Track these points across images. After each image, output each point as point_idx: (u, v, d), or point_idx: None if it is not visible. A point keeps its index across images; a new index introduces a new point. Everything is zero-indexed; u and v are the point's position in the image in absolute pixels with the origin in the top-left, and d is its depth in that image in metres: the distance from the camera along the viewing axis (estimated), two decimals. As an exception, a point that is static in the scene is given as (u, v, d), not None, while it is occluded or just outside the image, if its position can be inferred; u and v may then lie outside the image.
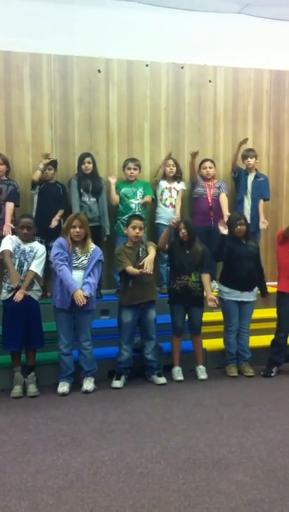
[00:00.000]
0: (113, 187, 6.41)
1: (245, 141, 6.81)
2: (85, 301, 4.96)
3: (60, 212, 6.14)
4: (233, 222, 5.70)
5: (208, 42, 7.07)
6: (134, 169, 6.44)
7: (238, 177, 6.92)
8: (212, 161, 6.84)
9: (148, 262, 5.23)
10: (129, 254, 5.33)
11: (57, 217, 6.09)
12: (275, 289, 5.84)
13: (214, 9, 7.04)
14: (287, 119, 7.50)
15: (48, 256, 5.38)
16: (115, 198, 6.41)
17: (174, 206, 6.61)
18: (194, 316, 5.57)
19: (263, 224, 6.78)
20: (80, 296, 4.95)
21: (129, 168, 6.43)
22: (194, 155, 6.55)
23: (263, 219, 6.81)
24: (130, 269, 5.22)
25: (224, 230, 5.55)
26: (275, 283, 5.89)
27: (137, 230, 5.34)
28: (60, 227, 5.99)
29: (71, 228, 5.15)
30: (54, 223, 6.02)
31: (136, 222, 5.37)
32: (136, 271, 5.18)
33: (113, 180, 6.43)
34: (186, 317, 5.61)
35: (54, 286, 5.22)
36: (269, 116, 7.43)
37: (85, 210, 6.15)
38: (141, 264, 5.23)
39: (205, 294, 5.50)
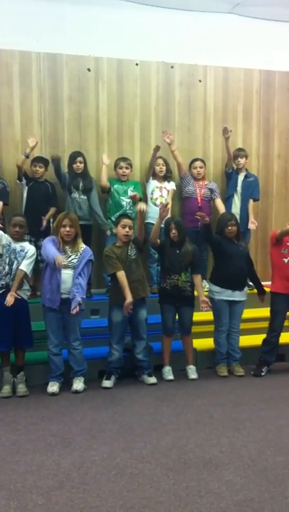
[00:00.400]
0: (105, 168, 6.36)
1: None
2: (62, 265, 4.96)
3: (52, 210, 6.10)
4: (224, 222, 5.70)
5: (198, 41, 7.06)
6: (126, 168, 6.42)
7: (230, 174, 6.91)
8: (202, 161, 6.83)
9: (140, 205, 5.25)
10: (118, 253, 5.31)
11: (47, 216, 6.05)
12: (268, 289, 5.86)
13: (205, 9, 7.04)
14: (276, 119, 7.52)
15: (38, 256, 5.35)
16: (105, 179, 6.37)
17: (168, 209, 6.56)
18: (185, 315, 5.56)
19: (252, 224, 6.76)
20: (61, 259, 4.95)
21: (121, 168, 6.41)
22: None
23: (253, 219, 6.79)
24: (121, 276, 5.20)
25: (205, 220, 5.54)
26: (266, 283, 5.91)
27: (127, 229, 5.32)
28: (49, 226, 5.96)
29: (61, 228, 5.12)
30: (44, 223, 5.99)
31: (125, 221, 5.35)
32: (124, 284, 5.15)
33: (107, 162, 6.37)
34: (177, 317, 5.60)
35: (43, 285, 5.18)
36: (259, 116, 7.44)
37: (75, 207, 6.12)
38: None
39: (196, 294, 5.50)
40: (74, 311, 4.95)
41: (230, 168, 6.88)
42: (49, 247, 5.07)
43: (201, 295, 5.45)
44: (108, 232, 6.21)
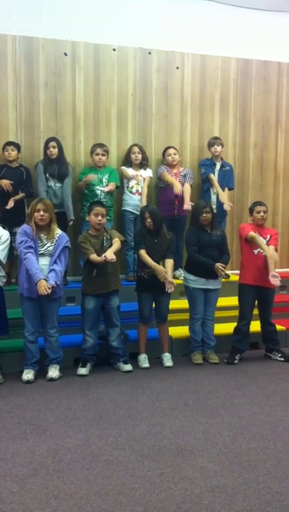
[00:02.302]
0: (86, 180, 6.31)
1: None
2: (49, 291, 4.89)
3: (21, 195, 6.01)
4: (198, 210, 5.71)
5: (176, 28, 7.02)
6: (103, 155, 6.36)
7: (203, 173, 6.89)
8: (175, 148, 6.81)
9: (109, 251, 5.18)
10: (93, 242, 5.29)
11: (17, 197, 5.94)
12: (236, 277, 5.91)
13: (182, -5, 6.99)
14: (253, 108, 7.53)
15: (12, 242, 5.28)
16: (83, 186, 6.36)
17: (140, 194, 6.57)
18: (162, 304, 5.57)
19: (228, 205, 6.71)
20: (44, 286, 4.87)
21: (98, 154, 6.35)
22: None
23: (227, 201, 6.74)
24: (94, 257, 5.18)
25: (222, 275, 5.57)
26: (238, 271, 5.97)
27: (100, 218, 5.29)
28: (24, 213, 5.89)
29: (35, 212, 5.05)
30: (11, 203, 5.85)
31: (98, 209, 5.31)
32: (99, 259, 5.14)
33: (94, 179, 6.29)
34: (153, 305, 5.61)
35: (21, 274, 5.11)
36: (236, 105, 7.45)
37: (50, 195, 6.06)
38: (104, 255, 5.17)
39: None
40: (44, 293, 4.85)
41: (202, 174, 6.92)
42: (31, 262, 4.93)
43: (168, 277, 5.41)
44: (70, 222, 6.14)
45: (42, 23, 6.43)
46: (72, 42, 6.58)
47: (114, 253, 5.19)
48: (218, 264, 5.49)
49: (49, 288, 4.89)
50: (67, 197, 6.14)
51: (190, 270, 5.75)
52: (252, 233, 5.64)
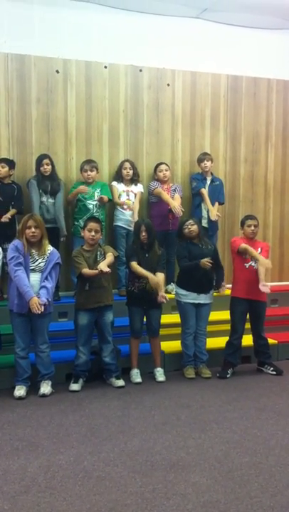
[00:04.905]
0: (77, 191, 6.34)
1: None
2: (41, 308, 4.90)
3: (12, 211, 6.02)
4: (181, 225, 5.77)
5: (166, 45, 7.12)
6: (91, 171, 6.41)
7: (195, 186, 6.96)
8: (167, 164, 6.87)
9: (102, 263, 5.21)
10: (86, 257, 5.31)
11: (8, 215, 5.95)
12: (228, 292, 5.95)
13: (173, 13, 7.08)
14: (243, 123, 7.61)
15: (3, 258, 5.29)
16: (72, 199, 6.40)
17: (131, 209, 6.61)
18: (153, 318, 5.59)
19: (216, 216, 6.81)
20: (36, 304, 4.88)
21: (86, 171, 6.40)
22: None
23: (216, 212, 6.84)
24: (86, 271, 5.20)
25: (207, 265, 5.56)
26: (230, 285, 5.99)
27: (93, 233, 5.31)
28: (15, 229, 5.90)
29: (26, 229, 5.07)
30: (3, 219, 5.88)
31: (92, 224, 5.34)
32: (92, 272, 5.15)
33: (85, 190, 6.33)
34: (145, 319, 5.62)
35: (11, 290, 5.11)
36: (226, 121, 7.53)
37: (43, 210, 6.09)
38: (96, 268, 5.20)
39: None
40: (37, 312, 4.88)
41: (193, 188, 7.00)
42: (21, 279, 4.94)
43: (160, 291, 5.43)
44: (62, 239, 6.20)
45: (34, 41, 6.50)
46: (64, 60, 6.64)
47: (108, 266, 5.21)
48: (204, 260, 5.51)
49: (41, 305, 4.89)
50: (59, 212, 6.17)
51: (181, 285, 5.77)
52: (243, 244, 5.68)
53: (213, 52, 7.36)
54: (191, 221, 5.76)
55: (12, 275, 4.99)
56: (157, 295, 5.41)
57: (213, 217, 6.78)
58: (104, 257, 5.35)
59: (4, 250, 5.46)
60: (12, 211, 6.01)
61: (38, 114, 6.56)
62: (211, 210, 6.79)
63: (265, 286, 5.51)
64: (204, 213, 6.86)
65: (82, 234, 5.44)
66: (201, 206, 6.91)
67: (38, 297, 4.94)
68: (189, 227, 5.70)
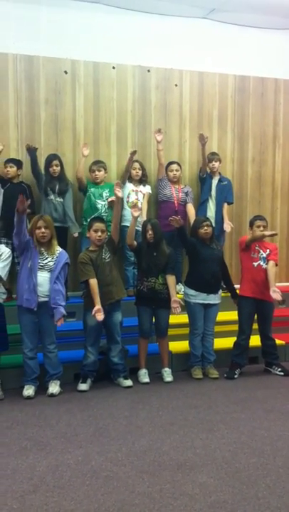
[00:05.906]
0: (83, 160, 6.36)
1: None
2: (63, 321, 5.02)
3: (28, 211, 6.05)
4: (199, 223, 5.76)
5: (174, 46, 7.13)
6: (99, 171, 6.43)
7: (204, 179, 6.98)
8: (178, 164, 6.89)
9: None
10: (92, 258, 5.31)
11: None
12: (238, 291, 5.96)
13: (181, 14, 7.09)
14: (251, 123, 7.61)
15: (14, 259, 5.33)
16: (82, 172, 6.38)
17: (140, 209, 6.61)
18: (161, 318, 5.60)
19: (228, 226, 6.84)
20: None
21: (94, 171, 6.43)
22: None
23: (228, 221, 6.88)
24: (93, 283, 5.21)
25: (179, 222, 5.56)
26: (239, 286, 6.00)
27: (100, 233, 5.33)
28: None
29: (36, 229, 5.12)
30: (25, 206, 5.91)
31: (98, 225, 5.35)
32: (96, 299, 5.17)
33: (86, 153, 6.34)
34: (153, 319, 5.63)
35: (19, 285, 5.14)
36: (233, 121, 7.53)
37: (51, 209, 6.12)
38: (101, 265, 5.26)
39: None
40: (59, 323, 4.96)
41: (205, 173, 6.94)
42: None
43: (173, 295, 5.48)
44: (75, 234, 6.23)
45: (42, 42, 6.53)
46: (72, 60, 6.67)
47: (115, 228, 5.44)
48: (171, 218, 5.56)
49: (61, 316, 5.01)
50: (69, 210, 6.22)
51: (190, 285, 5.78)
52: (248, 236, 5.72)
53: (221, 52, 7.37)
54: (208, 222, 5.77)
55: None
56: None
57: (228, 229, 6.85)
58: (109, 254, 5.38)
59: (14, 250, 5.48)
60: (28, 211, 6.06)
61: (46, 115, 6.59)
62: (226, 221, 6.86)
63: (276, 293, 5.49)
64: (209, 213, 6.85)
65: (88, 235, 5.44)
66: (205, 205, 6.91)
67: (56, 307, 5.00)
68: (206, 228, 5.71)
